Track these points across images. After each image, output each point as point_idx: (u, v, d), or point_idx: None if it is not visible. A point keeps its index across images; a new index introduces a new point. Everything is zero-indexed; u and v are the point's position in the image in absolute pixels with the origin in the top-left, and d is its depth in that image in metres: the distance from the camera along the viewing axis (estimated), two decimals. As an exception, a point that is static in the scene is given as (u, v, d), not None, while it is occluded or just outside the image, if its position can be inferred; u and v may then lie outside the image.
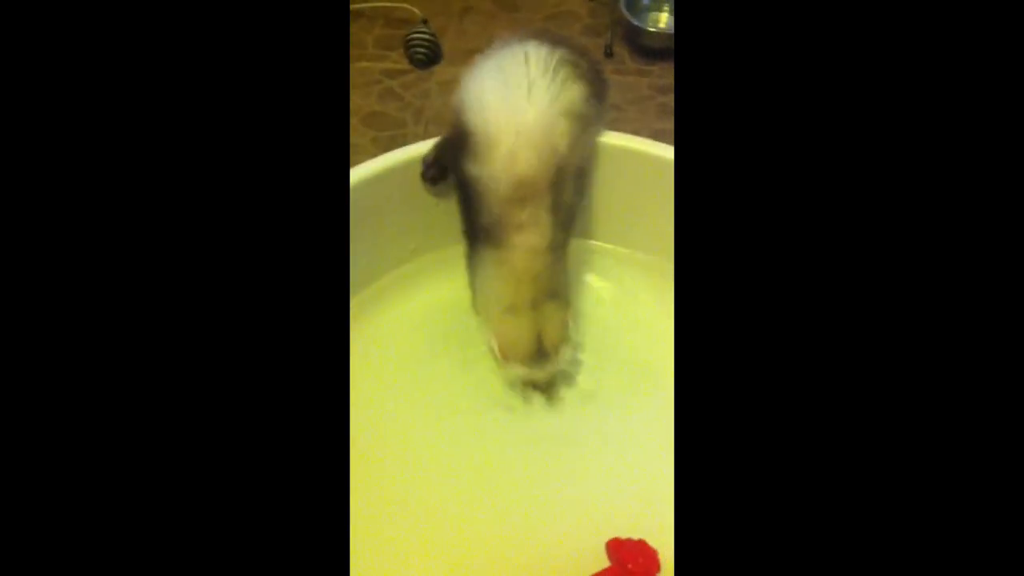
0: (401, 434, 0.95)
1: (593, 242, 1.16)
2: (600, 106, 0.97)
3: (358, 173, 0.97)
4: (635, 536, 0.84)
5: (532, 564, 0.85)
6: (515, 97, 0.88)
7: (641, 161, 1.04)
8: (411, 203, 1.04)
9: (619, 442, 0.95)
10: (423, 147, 1.01)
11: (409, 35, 1.54)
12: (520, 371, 0.93)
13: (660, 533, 0.83)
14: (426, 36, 1.53)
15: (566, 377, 1.00)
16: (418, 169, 1.01)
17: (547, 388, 0.96)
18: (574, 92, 0.90)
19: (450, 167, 0.97)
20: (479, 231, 0.91)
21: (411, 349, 1.04)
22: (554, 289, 0.90)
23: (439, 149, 0.99)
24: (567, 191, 0.90)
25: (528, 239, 0.87)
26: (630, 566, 0.81)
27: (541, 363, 0.91)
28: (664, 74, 1.59)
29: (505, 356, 0.91)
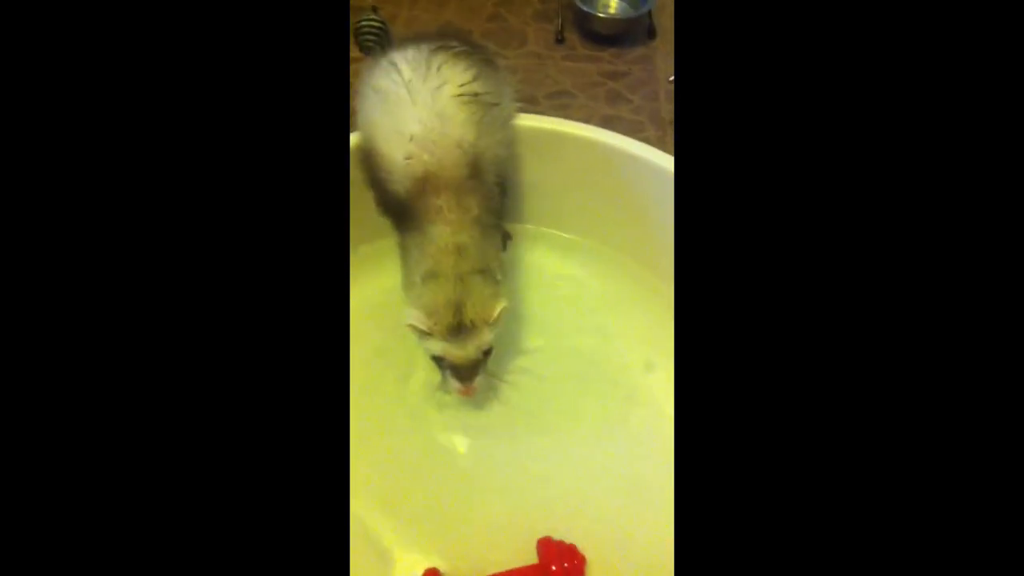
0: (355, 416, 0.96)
1: (533, 227, 1.18)
2: (495, 80, 0.95)
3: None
4: (568, 539, 0.84)
5: (465, 549, 0.86)
6: (397, 106, 0.88)
7: (591, 148, 1.06)
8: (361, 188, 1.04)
9: (568, 434, 0.97)
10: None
11: (359, 22, 1.53)
12: (440, 347, 0.86)
13: (590, 537, 0.85)
14: (376, 23, 1.52)
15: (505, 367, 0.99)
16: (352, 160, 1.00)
17: (467, 376, 0.89)
18: (460, 75, 0.89)
19: (371, 187, 0.97)
20: (400, 222, 0.91)
21: (365, 336, 1.05)
22: (482, 266, 0.87)
23: (364, 178, 0.99)
24: (485, 171, 0.90)
25: (447, 215, 0.86)
26: (554, 568, 0.81)
27: (461, 339, 0.85)
28: (614, 60, 1.61)
29: (424, 328, 0.85)
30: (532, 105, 1.44)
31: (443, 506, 0.90)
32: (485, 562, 0.84)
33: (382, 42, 1.53)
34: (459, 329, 0.84)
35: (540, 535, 0.85)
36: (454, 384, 0.89)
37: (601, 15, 1.66)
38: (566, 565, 0.81)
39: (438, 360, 0.89)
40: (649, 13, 1.66)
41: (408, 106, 0.87)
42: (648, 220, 1.06)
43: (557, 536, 0.85)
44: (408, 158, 0.87)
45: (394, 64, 0.90)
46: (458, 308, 0.84)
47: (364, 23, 1.52)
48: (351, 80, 1.53)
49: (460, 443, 0.97)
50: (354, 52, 1.55)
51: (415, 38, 0.95)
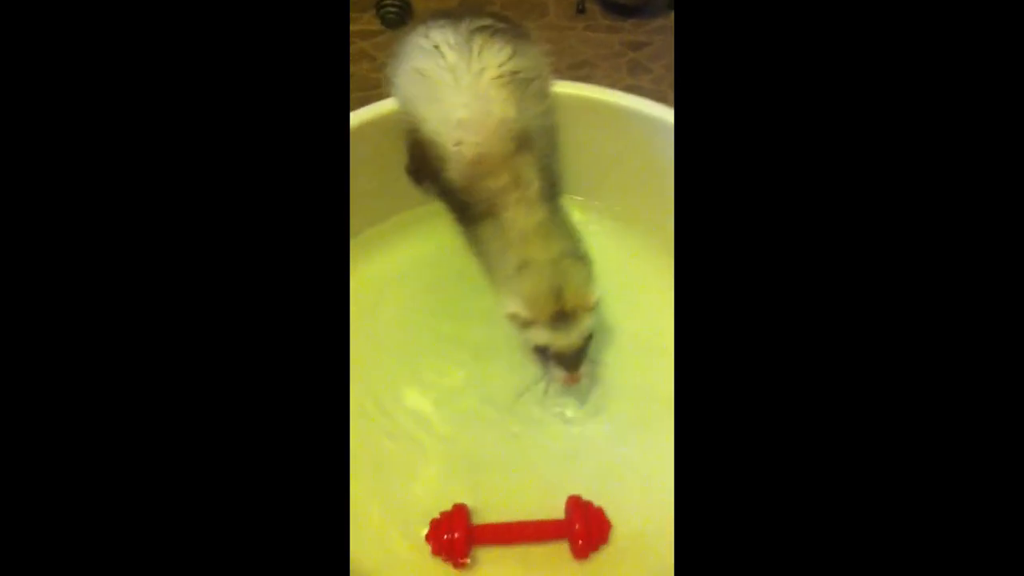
0: (391, 384, 0.98)
1: (568, 196, 1.17)
2: (531, 54, 0.96)
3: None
4: (599, 503, 0.86)
5: (497, 500, 0.88)
6: (443, 94, 0.89)
7: (615, 114, 1.06)
8: (381, 162, 1.06)
9: (612, 407, 0.97)
10: (389, 104, 1.02)
11: (380, -5, 1.54)
12: (544, 336, 0.85)
13: (623, 507, 0.86)
14: (397, -5, 1.53)
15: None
16: (386, 126, 1.02)
17: (573, 363, 0.87)
18: (498, 55, 0.90)
19: (422, 173, 0.98)
20: (469, 216, 0.92)
21: (395, 304, 1.07)
22: (572, 247, 0.87)
23: (410, 158, 1.00)
24: (536, 146, 0.91)
25: (511, 196, 0.86)
26: (578, 526, 0.82)
27: (566, 327, 0.84)
28: (635, 30, 1.60)
29: (527, 317, 0.84)
30: (554, 76, 1.44)
31: (479, 454, 0.92)
32: (512, 508, 0.86)
33: (403, 15, 1.54)
34: (561, 316, 0.84)
35: (571, 493, 0.86)
36: (560, 373, 0.88)
37: (622, -15, 1.65)
38: (592, 525, 0.82)
39: (541, 351, 0.87)
40: (670, -18, 1.65)
41: (454, 92, 0.88)
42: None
43: (587, 498, 0.86)
44: (458, 144, 0.88)
45: (437, 47, 0.91)
46: (558, 295, 0.83)
47: (385, -4, 1.53)
48: (374, 53, 1.54)
49: (506, 404, 0.97)
50: (375, 25, 1.56)
51: (448, 14, 0.96)
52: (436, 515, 0.84)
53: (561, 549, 0.83)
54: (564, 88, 1.06)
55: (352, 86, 1.44)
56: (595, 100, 1.07)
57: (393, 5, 1.54)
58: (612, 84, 1.45)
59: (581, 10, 1.64)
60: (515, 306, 0.84)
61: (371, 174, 1.05)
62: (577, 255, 0.87)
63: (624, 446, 0.93)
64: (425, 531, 0.84)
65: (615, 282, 1.08)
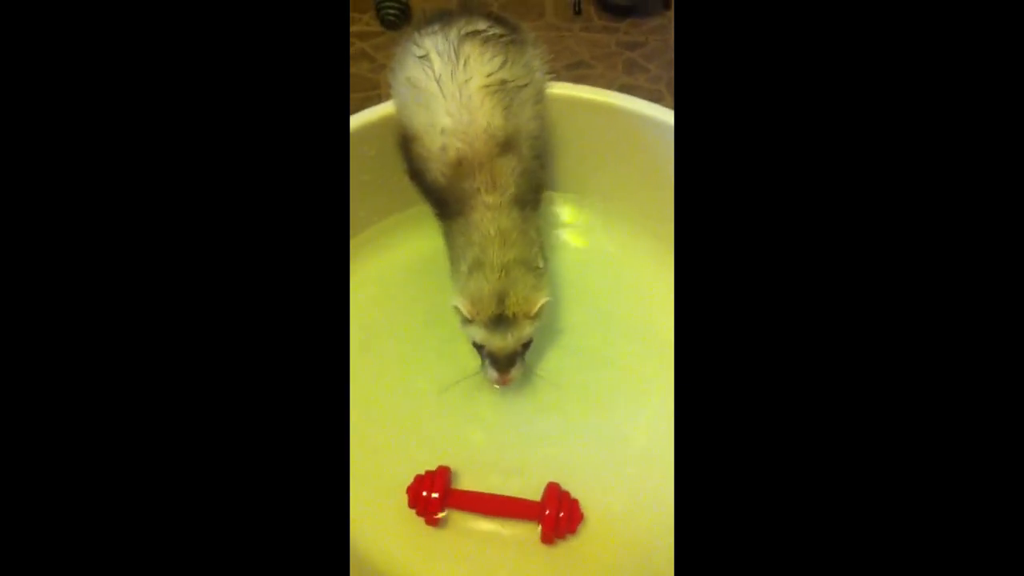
0: (388, 383, 1.00)
1: (563, 193, 1.20)
2: (524, 60, 0.98)
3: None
4: (576, 494, 0.87)
5: (483, 472, 0.91)
6: (430, 100, 0.92)
7: (611, 114, 1.08)
8: (382, 161, 1.07)
9: (591, 403, 0.99)
10: (389, 107, 1.04)
11: (379, -4, 1.56)
12: (481, 335, 0.88)
13: (591, 499, 0.87)
14: (396, -3, 1.55)
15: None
16: (386, 129, 1.03)
17: (504, 366, 0.91)
18: (487, 64, 0.92)
19: (412, 177, 1.00)
20: (446, 213, 0.95)
21: (391, 304, 1.09)
22: (526, 256, 0.90)
23: (404, 159, 1.03)
24: (519, 147, 0.93)
25: (485, 199, 0.90)
26: (548, 511, 0.84)
27: (502, 330, 0.88)
28: (631, 30, 1.62)
29: (468, 315, 0.87)
30: (551, 77, 1.45)
31: (463, 437, 0.96)
32: (496, 483, 0.90)
33: (402, 16, 1.56)
34: (500, 320, 0.87)
35: (549, 481, 0.88)
36: (491, 373, 0.91)
37: (618, -14, 1.67)
38: (562, 514, 0.84)
39: (478, 347, 0.91)
40: (666, -17, 1.67)
41: (440, 99, 0.91)
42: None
43: (568, 486, 0.88)
44: (442, 148, 0.91)
45: (426, 56, 0.93)
46: (501, 299, 0.86)
47: (385, -3, 1.55)
48: (374, 54, 1.55)
49: (500, 395, 1.00)
50: (376, 27, 1.58)
51: (441, 17, 0.98)
52: (421, 472, 0.89)
53: (532, 529, 0.86)
54: (559, 89, 1.08)
55: (352, 87, 1.46)
56: (588, 100, 1.09)
57: (392, 6, 1.56)
58: (609, 83, 1.47)
59: (578, 11, 1.66)
60: (459, 302, 0.87)
61: (374, 172, 1.07)
62: (529, 265, 0.90)
63: (615, 438, 0.95)
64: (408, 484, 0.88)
65: (607, 275, 1.12)
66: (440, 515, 0.87)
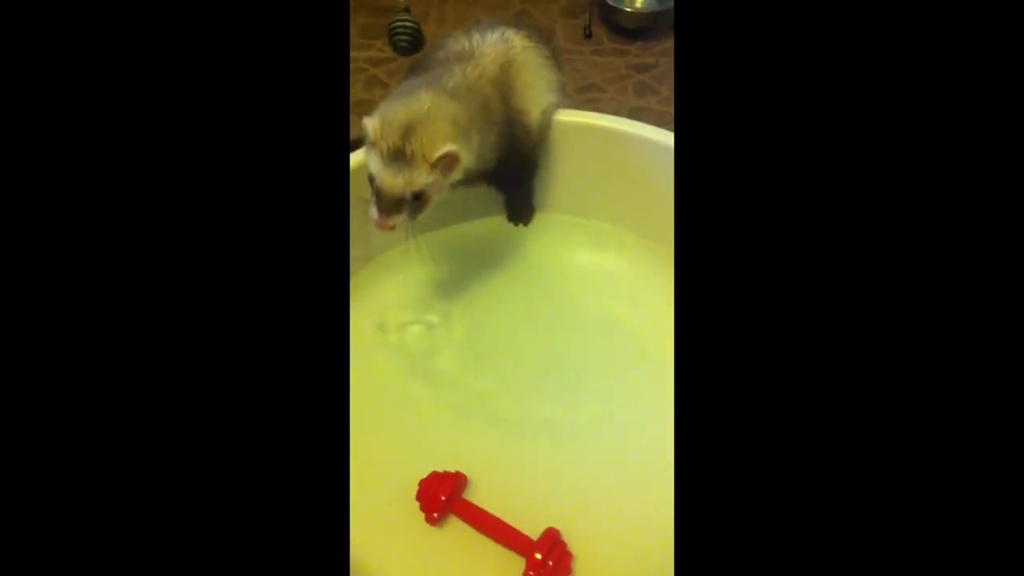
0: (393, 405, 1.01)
1: (573, 218, 1.21)
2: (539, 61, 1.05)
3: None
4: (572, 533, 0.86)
5: (495, 493, 0.91)
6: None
7: (618, 139, 1.09)
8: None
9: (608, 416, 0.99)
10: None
11: (392, 23, 1.58)
12: (375, 166, 0.84)
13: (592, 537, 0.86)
14: (409, 24, 1.57)
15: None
16: None
17: (384, 207, 0.85)
18: (499, 36, 1.01)
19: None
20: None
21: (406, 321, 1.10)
22: (464, 113, 0.88)
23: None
24: (511, 114, 0.98)
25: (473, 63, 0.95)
26: (538, 556, 0.82)
27: (396, 166, 0.82)
28: (641, 53, 1.63)
29: (372, 135, 0.83)
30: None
31: (489, 450, 0.96)
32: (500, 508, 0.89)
33: (414, 42, 1.58)
34: (398, 155, 0.82)
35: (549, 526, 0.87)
36: (373, 211, 0.86)
37: (628, 9, 1.68)
38: (551, 563, 0.82)
39: (371, 179, 0.86)
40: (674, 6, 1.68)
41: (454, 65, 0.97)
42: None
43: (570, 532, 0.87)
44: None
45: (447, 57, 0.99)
46: (406, 133, 0.82)
47: (398, 24, 1.57)
48: (387, 80, 1.57)
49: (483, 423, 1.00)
50: (388, 53, 1.60)
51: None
52: (440, 471, 0.89)
53: (521, 561, 0.85)
54: (567, 116, 1.10)
55: (365, 113, 1.48)
56: (595, 126, 1.10)
57: (405, 33, 1.58)
58: (620, 106, 1.48)
59: (588, 34, 1.68)
60: (368, 120, 0.83)
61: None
62: (463, 119, 0.87)
63: (615, 464, 0.94)
64: (421, 477, 0.89)
65: (621, 295, 1.13)
66: (439, 516, 0.87)
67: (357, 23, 1.67)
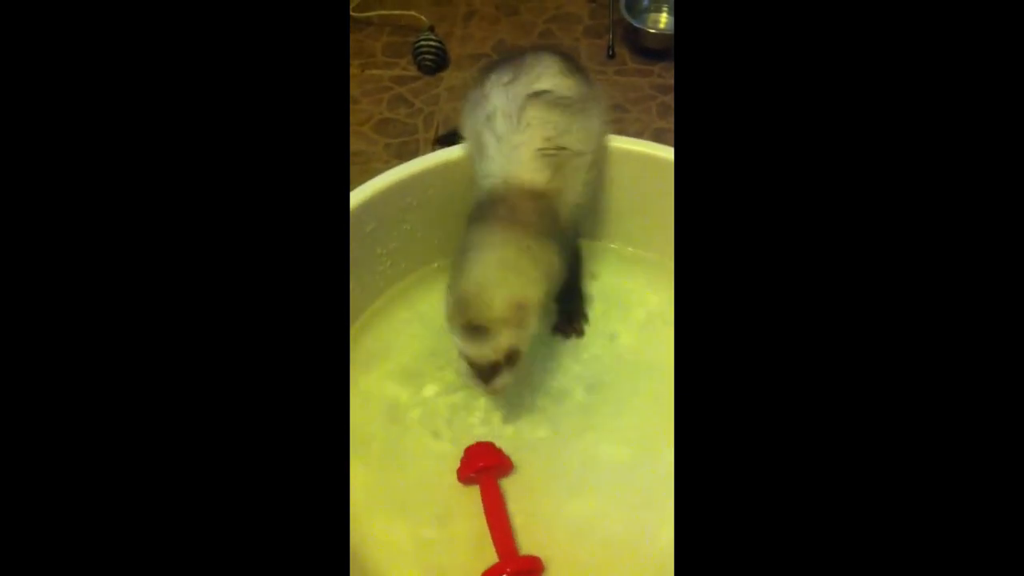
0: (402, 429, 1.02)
1: (601, 243, 1.20)
2: (587, 127, 0.99)
3: (372, 186, 1.02)
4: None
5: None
6: (485, 150, 0.95)
7: (643, 163, 1.08)
8: (430, 207, 1.09)
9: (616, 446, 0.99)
10: (429, 159, 1.06)
11: (417, 42, 1.59)
12: (459, 343, 0.86)
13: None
14: (433, 43, 1.58)
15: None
16: (426, 181, 1.06)
17: (484, 376, 0.86)
18: (546, 129, 0.93)
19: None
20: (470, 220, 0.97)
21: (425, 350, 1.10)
22: (520, 285, 0.86)
23: None
24: (560, 203, 0.95)
25: (506, 227, 0.90)
26: (507, 570, 0.83)
27: (477, 339, 0.83)
28: (664, 74, 1.63)
29: (446, 317, 0.85)
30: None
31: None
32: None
33: (439, 60, 1.59)
34: (474, 329, 0.82)
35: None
36: (475, 381, 0.88)
37: (651, 30, 1.68)
38: None
39: (462, 355, 0.87)
40: (700, 27, 1.68)
41: (495, 156, 0.94)
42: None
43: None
44: (486, 178, 0.95)
45: (491, 117, 0.95)
46: (469, 304, 0.83)
47: (422, 43, 1.58)
48: (412, 99, 1.58)
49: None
50: (413, 71, 1.61)
51: (512, 61, 1.00)
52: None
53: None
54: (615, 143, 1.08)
55: (390, 131, 1.49)
56: (621, 150, 1.09)
57: (430, 52, 1.59)
58: (644, 127, 1.48)
59: (611, 55, 1.68)
60: (445, 302, 0.86)
61: (419, 219, 1.10)
62: (508, 263, 0.87)
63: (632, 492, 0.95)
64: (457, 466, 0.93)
65: (640, 321, 1.12)
66: (467, 480, 0.92)
67: (381, 42, 1.68)
